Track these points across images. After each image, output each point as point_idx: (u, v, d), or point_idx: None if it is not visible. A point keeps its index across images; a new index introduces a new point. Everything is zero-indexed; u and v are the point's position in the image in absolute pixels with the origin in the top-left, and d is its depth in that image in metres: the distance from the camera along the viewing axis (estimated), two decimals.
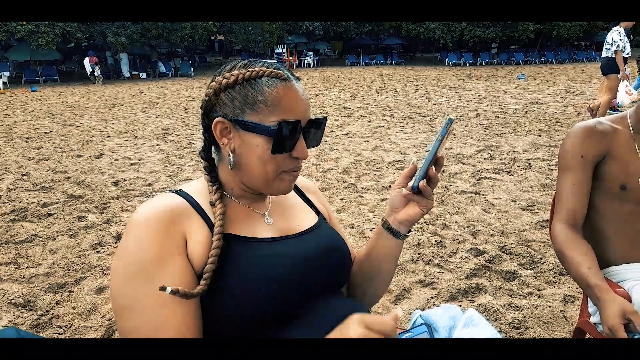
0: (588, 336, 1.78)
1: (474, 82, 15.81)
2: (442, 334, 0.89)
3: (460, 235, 3.17)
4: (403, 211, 0.90)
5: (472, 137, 6.48)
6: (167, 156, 6.00)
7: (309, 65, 32.12)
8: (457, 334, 0.86)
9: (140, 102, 12.85)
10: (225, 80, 0.85)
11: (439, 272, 2.67)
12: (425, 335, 0.84)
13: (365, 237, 3.23)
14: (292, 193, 1.07)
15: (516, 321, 2.14)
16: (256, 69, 0.86)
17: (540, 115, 8.19)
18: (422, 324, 0.87)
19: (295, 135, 0.85)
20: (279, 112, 0.83)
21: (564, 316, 2.18)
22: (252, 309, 0.80)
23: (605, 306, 1.10)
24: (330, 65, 33.58)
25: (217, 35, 35.83)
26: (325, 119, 0.92)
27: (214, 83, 0.87)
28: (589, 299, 1.42)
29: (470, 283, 2.51)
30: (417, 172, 0.85)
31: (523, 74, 17.25)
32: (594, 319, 1.37)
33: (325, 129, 7.76)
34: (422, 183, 0.83)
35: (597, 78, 15.66)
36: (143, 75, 24.87)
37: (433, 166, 0.85)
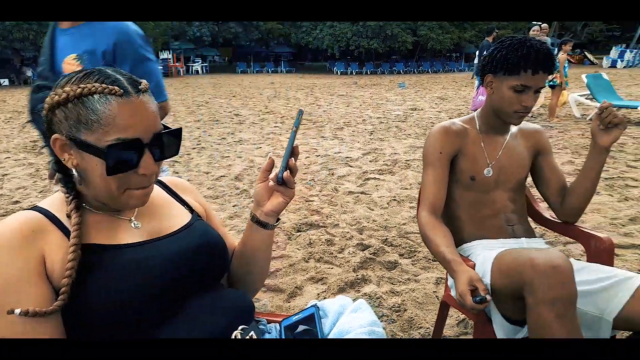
0: (451, 309, 2.02)
1: (360, 90, 16.73)
2: (330, 318, 0.98)
3: (348, 232, 3.36)
4: (268, 203, 0.98)
5: (358, 142, 6.87)
6: (37, 170, 5.43)
7: (197, 72, 31.22)
8: (344, 318, 0.95)
9: (2, 111, 11.39)
10: (56, 97, 0.80)
11: (329, 268, 2.81)
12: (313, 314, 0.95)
13: None
14: (162, 193, 1.06)
15: (396, 305, 2.35)
16: (88, 85, 0.79)
17: (418, 120, 8.96)
18: (311, 306, 0.97)
19: (135, 153, 0.82)
20: (114, 131, 0.79)
21: (436, 296, 2.44)
22: (121, 316, 0.80)
23: (457, 276, 1.28)
24: (220, 72, 33.01)
25: None
26: (178, 129, 0.89)
27: (48, 98, 0.81)
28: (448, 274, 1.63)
29: (357, 275, 2.68)
30: (280, 165, 0.92)
31: (404, 83, 18.71)
32: (453, 291, 1.58)
33: (217, 137, 7.47)
34: (287, 174, 0.91)
35: (465, 86, 17.55)
36: (5, 82, 22.06)
37: (292, 157, 0.92)
